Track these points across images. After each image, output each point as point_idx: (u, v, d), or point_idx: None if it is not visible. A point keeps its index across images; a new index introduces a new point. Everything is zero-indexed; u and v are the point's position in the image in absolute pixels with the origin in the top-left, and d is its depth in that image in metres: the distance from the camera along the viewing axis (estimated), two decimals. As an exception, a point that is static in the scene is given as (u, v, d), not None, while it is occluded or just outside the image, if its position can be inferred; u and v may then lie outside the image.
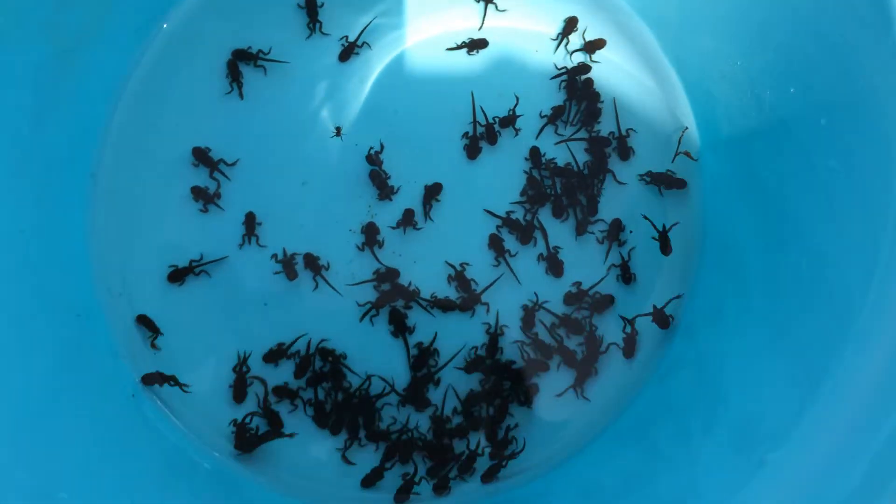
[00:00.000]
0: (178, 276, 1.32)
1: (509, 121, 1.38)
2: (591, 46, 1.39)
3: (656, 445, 1.19)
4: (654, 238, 1.32)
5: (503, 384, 1.30)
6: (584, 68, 1.39)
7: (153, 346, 1.30)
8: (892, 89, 0.80)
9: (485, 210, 1.36)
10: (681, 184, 1.34)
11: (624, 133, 1.38)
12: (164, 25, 1.38)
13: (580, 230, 1.35)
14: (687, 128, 1.36)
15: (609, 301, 1.33)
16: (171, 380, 1.27)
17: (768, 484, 0.82)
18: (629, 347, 1.31)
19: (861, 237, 0.86)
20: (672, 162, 1.36)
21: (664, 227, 1.32)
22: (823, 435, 0.79)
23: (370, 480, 1.26)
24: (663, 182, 1.35)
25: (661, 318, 1.29)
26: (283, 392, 1.30)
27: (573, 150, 1.38)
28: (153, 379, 1.27)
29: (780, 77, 1.06)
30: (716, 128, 1.31)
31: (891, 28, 0.80)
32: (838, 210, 0.93)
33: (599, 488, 1.21)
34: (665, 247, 1.31)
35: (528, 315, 1.32)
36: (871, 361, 0.78)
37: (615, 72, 1.40)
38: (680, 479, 1.07)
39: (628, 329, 1.31)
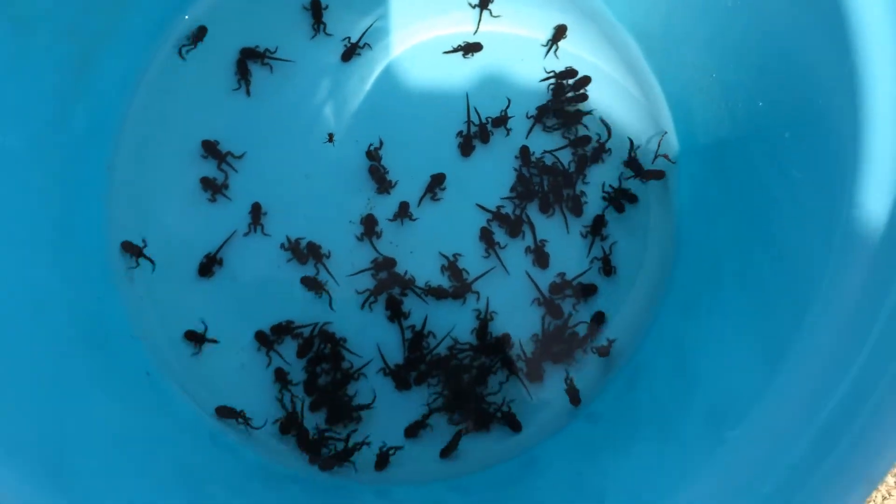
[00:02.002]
0: (206, 269, 1.40)
1: (501, 121, 1.47)
2: (578, 84, 1.48)
3: (636, 426, 1.29)
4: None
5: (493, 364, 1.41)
6: (571, 72, 1.49)
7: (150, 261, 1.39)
8: (846, 109, 0.91)
9: (476, 205, 1.45)
10: (659, 174, 1.44)
11: (604, 139, 1.47)
12: (186, 16, 1.46)
13: (576, 211, 1.45)
14: (666, 132, 1.46)
15: (591, 290, 1.43)
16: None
17: (729, 456, 0.94)
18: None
19: (816, 241, 0.96)
20: (652, 163, 1.46)
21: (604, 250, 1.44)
22: (779, 411, 0.90)
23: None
24: (642, 174, 1.44)
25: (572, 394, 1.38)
26: (262, 338, 1.39)
27: (558, 149, 1.48)
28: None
29: (750, 91, 1.16)
30: (693, 135, 1.41)
31: (848, 54, 0.90)
32: (798, 216, 1.03)
33: (578, 465, 1.31)
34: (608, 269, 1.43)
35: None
36: (820, 348, 0.89)
37: (602, 79, 1.49)
38: (653, 455, 1.17)
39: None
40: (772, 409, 0.91)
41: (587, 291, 1.43)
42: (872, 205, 0.91)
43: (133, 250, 1.39)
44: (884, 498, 1.40)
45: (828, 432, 0.83)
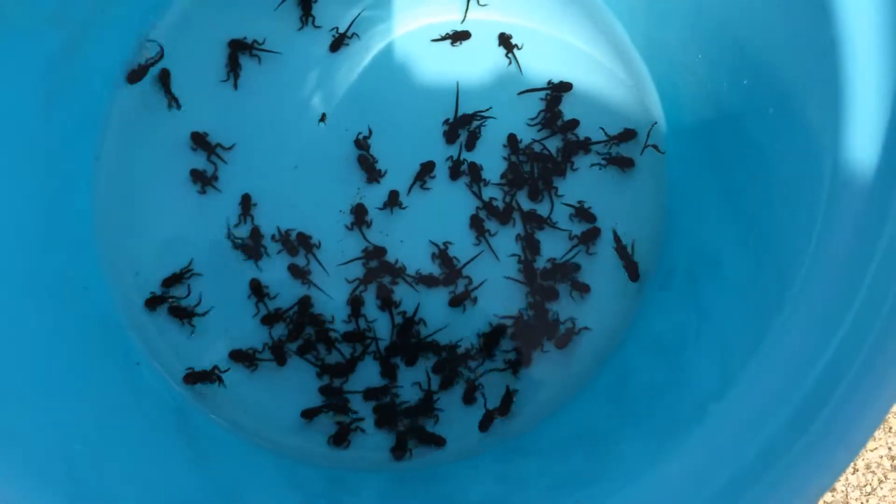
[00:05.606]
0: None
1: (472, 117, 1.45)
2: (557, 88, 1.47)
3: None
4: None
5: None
6: (565, 86, 1.47)
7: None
8: (822, 83, 0.90)
9: (468, 189, 1.45)
10: (629, 162, 1.44)
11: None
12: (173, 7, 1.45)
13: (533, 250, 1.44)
14: (656, 122, 1.44)
15: (594, 232, 1.43)
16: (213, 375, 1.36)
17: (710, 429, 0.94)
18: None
19: (799, 216, 0.96)
20: (640, 154, 1.45)
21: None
22: (757, 386, 0.90)
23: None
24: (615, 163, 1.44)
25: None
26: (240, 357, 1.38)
27: (546, 137, 1.47)
28: (196, 377, 1.36)
29: (735, 70, 1.15)
30: (681, 116, 1.40)
31: (823, 30, 0.89)
32: (781, 190, 1.03)
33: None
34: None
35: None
36: (799, 325, 0.89)
37: (589, 63, 1.48)
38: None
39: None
40: (751, 385, 0.91)
41: (590, 235, 1.42)
42: (855, 182, 0.90)
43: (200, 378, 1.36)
44: (880, 481, 1.39)
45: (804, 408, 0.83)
